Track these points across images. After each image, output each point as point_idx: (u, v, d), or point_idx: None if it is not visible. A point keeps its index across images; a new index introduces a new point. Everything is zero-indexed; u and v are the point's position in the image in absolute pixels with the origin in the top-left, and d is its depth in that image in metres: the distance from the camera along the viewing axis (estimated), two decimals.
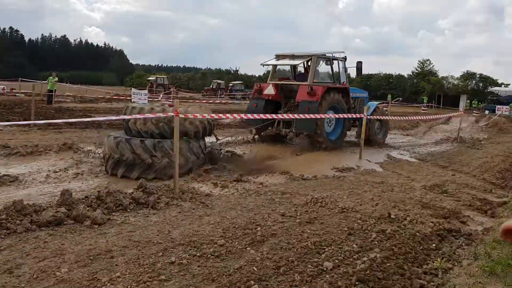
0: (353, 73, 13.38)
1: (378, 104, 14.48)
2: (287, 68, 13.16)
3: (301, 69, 12.79)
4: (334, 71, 12.18)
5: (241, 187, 6.94)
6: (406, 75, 70.97)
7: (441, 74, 66.46)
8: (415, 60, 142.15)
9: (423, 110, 43.82)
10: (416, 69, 70.80)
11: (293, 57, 11.96)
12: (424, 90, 60.63)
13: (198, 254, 4.03)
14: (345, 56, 12.45)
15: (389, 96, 55.37)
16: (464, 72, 64.74)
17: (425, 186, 7.66)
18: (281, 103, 12.24)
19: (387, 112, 12.50)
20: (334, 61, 12.17)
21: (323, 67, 12.13)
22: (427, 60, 71.70)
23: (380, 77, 69.75)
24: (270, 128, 11.81)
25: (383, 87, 66.87)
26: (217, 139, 9.72)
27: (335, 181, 7.69)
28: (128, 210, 5.37)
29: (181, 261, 3.85)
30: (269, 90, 11.93)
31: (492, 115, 30.70)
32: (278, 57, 12.21)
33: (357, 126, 13.31)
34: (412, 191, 7.15)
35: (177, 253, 4.04)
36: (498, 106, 42.07)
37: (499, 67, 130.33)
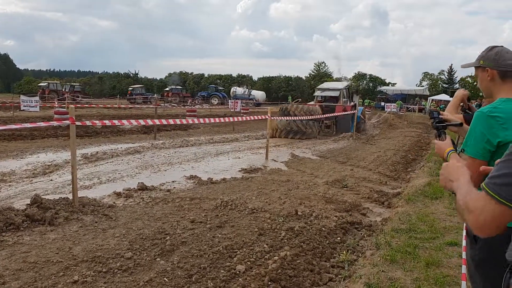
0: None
1: (363, 108, 23.61)
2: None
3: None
4: (349, 94, 21.49)
5: (147, 196, 6.68)
6: (304, 77, 74.36)
7: (335, 75, 70.68)
8: (311, 63, 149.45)
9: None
10: (313, 71, 74.59)
11: (329, 90, 21.06)
12: None
13: (104, 270, 3.78)
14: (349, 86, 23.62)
15: (289, 98, 57.41)
16: (356, 73, 69.73)
17: (327, 182, 8.03)
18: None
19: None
20: (348, 89, 21.74)
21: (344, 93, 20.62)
22: (322, 63, 75.95)
23: (281, 80, 72.23)
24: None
25: (283, 89, 69.32)
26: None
27: (243, 183, 7.74)
28: (22, 228, 4.88)
29: (85, 279, 3.58)
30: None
31: (382, 113, 33.30)
32: (319, 89, 21.92)
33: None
34: (316, 187, 7.44)
35: (80, 271, 3.75)
36: (387, 104, 45.59)
37: (385, 68, 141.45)
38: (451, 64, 68.17)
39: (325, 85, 23.71)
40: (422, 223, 5.28)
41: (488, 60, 2.09)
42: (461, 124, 2.41)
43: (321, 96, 21.69)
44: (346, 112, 18.45)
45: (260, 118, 12.99)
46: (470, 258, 1.99)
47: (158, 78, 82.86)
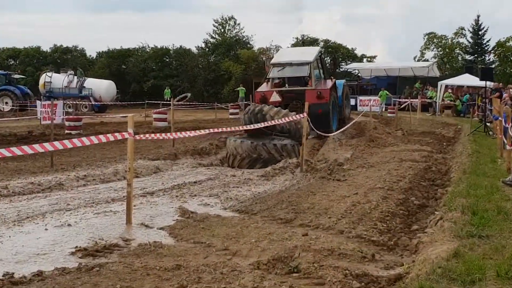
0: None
1: (343, 83, 30.57)
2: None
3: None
4: (322, 67, 27.51)
5: None
6: (195, 49, 75.06)
7: (258, 44, 72.24)
8: (208, 19, 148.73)
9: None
10: (213, 37, 75.57)
11: (291, 65, 25.89)
12: (231, 75, 64.57)
13: None
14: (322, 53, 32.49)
15: (167, 91, 57.66)
16: (297, 38, 71.75)
17: (259, 264, 8.13)
18: (281, 105, 24.32)
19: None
20: (321, 59, 27.74)
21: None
22: (230, 18, 77.33)
23: (146, 55, 72.23)
24: None
25: (152, 74, 69.16)
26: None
27: (83, 278, 7.61)
28: None
29: None
30: (275, 97, 25.42)
31: (354, 115, 34.45)
32: (274, 65, 26.68)
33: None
34: (237, 277, 7.50)
35: None
36: (361, 97, 47.08)
37: (352, 27, 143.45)
38: (478, 16, 71.88)
39: (284, 55, 28.62)
40: None
41: None
42: None
43: (279, 78, 26.53)
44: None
45: (109, 138, 12.77)
46: None
47: None
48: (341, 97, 27.39)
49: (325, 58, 32.22)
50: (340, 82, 28.80)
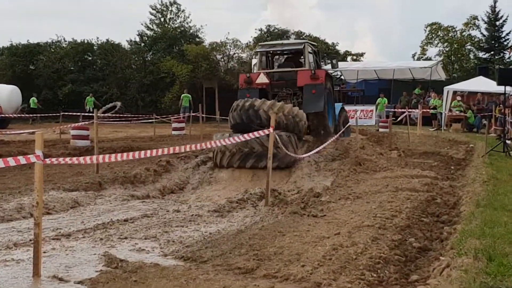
0: None
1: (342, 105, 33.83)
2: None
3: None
4: (316, 60, 29.95)
5: None
6: (126, 43, 74.95)
7: (210, 37, 72.37)
8: (143, 4, 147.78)
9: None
10: (151, 27, 75.48)
11: (283, 45, 31.21)
12: (175, 78, 64.49)
13: None
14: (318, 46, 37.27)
15: (90, 101, 57.36)
16: (261, 30, 72.09)
17: None
18: (268, 93, 28.13)
19: None
20: (317, 53, 30.83)
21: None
22: (172, 4, 77.20)
23: (62, 52, 71.90)
24: None
25: (69, 76, 68.86)
26: None
27: None
28: None
29: None
30: (262, 78, 27.87)
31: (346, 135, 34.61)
32: (263, 45, 30.91)
33: None
34: None
35: None
36: (347, 107, 47.30)
37: (332, 16, 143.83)
38: (495, 2, 72.22)
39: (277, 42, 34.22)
40: None
41: None
42: None
43: (268, 57, 29.70)
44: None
45: (10, 163, 12.65)
46: None
47: None
48: (339, 116, 30.27)
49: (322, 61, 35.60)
50: (338, 105, 31.59)
